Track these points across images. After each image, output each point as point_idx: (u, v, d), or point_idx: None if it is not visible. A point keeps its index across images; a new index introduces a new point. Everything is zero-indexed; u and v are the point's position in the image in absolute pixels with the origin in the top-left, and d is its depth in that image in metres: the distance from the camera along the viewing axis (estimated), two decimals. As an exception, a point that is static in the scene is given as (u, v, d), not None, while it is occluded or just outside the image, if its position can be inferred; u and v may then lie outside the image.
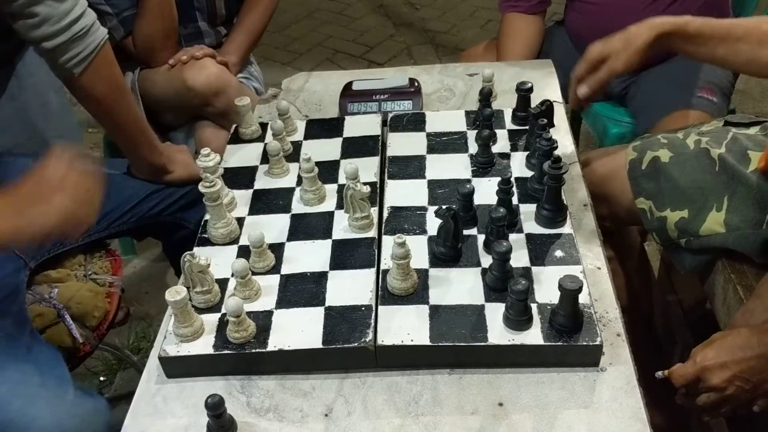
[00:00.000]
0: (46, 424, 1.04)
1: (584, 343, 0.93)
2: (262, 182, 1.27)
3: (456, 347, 0.95)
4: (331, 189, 1.22)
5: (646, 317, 1.66)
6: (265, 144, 1.33)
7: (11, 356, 1.09)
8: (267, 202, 1.22)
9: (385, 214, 1.16)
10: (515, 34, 1.85)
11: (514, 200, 1.14)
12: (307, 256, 1.10)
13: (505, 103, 1.42)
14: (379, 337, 0.96)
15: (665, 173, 1.29)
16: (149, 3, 1.66)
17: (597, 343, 0.93)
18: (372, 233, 1.13)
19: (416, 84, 1.49)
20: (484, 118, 1.28)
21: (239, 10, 1.91)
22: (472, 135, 1.31)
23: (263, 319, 1.00)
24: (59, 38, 1.15)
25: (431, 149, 1.30)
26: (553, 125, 1.31)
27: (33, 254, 1.30)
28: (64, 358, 1.27)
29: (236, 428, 0.91)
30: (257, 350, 0.96)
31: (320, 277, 1.06)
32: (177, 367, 0.98)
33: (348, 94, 1.48)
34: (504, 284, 0.99)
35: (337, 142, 1.35)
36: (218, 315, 1.02)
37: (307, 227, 1.16)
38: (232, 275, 1.05)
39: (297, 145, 1.35)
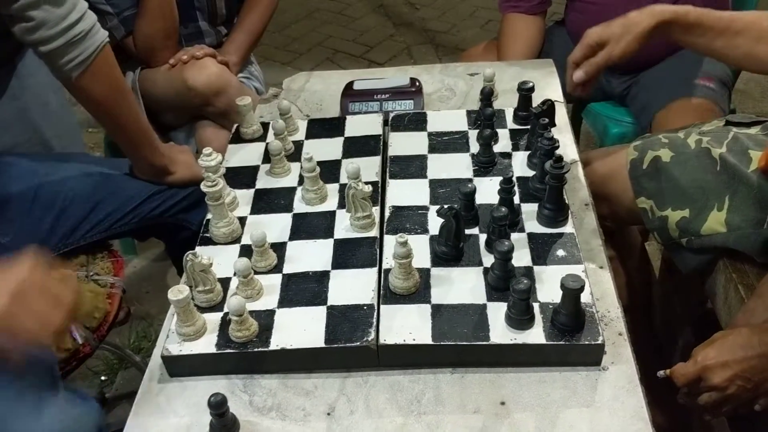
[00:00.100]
0: (33, 428, 1.03)
1: (586, 343, 0.93)
2: (263, 182, 1.27)
3: (458, 346, 0.95)
4: (332, 188, 1.22)
5: (647, 317, 1.66)
6: (267, 143, 1.32)
7: None
8: (269, 201, 1.22)
9: (387, 214, 1.16)
10: (516, 35, 1.85)
11: (516, 199, 1.14)
12: (309, 256, 1.10)
13: (506, 102, 1.42)
14: (381, 336, 0.96)
15: (666, 173, 1.29)
16: (150, 3, 1.66)
17: (599, 342, 0.93)
18: (374, 233, 1.13)
19: (417, 84, 1.49)
20: (485, 118, 1.28)
21: (240, 9, 1.91)
22: (473, 134, 1.32)
23: (265, 318, 1.00)
24: (55, 42, 1.14)
25: (432, 149, 1.30)
26: (554, 125, 1.31)
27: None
28: (64, 359, 1.27)
29: (239, 427, 0.91)
30: (260, 349, 0.96)
31: (322, 277, 1.06)
32: (179, 366, 0.98)
33: (349, 93, 1.48)
34: (506, 283, 0.99)
35: (339, 141, 1.35)
36: (220, 314, 1.02)
37: (309, 227, 1.16)
38: (234, 274, 1.05)
39: (298, 145, 1.35)
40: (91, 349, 1.32)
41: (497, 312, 0.98)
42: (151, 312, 2.13)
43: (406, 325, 0.97)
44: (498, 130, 1.31)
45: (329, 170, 1.26)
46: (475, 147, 1.28)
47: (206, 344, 0.98)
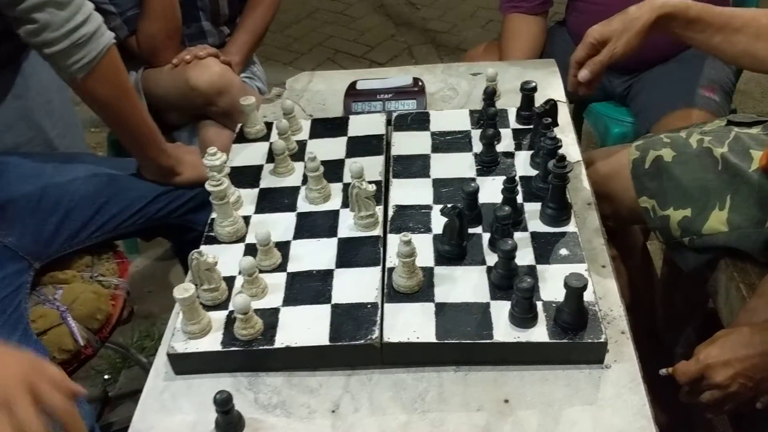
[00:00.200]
0: None
1: (589, 341, 0.94)
2: (267, 181, 1.27)
3: (461, 344, 0.95)
4: (336, 188, 1.23)
5: (649, 316, 1.67)
6: (271, 143, 1.33)
7: None
8: (272, 200, 1.23)
9: (390, 213, 1.16)
10: (518, 35, 1.85)
11: (519, 199, 1.14)
12: (313, 254, 1.11)
13: (509, 102, 1.43)
14: (385, 335, 0.97)
15: (668, 172, 1.30)
16: (153, 3, 1.67)
17: (602, 340, 0.94)
18: (377, 231, 1.13)
19: (420, 83, 1.49)
20: (488, 118, 1.29)
21: (242, 9, 1.92)
22: (476, 134, 1.32)
23: (270, 317, 1.01)
24: (60, 45, 1.14)
25: (435, 148, 1.31)
26: (556, 124, 1.32)
27: (38, 255, 1.30)
28: (65, 361, 1.27)
29: (244, 424, 0.91)
30: (264, 347, 0.97)
31: (326, 275, 1.07)
32: (185, 364, 0.99)
33: (352, 93, 1.48)
34: (509, 282, 1.00)
35: (342, 141, 1.35)
36: (225, 312, 1.02)
37: (313, 226, 1.16)
38: (239, 273, 1.05)
39: (302, 144, 1.36)
40: (92, 350, 1.32)
41: (500, 310, 0.98)
42: (153, 311, 2.14)
43: (409, 324, 0.98)
44: (501, 130, 1.32)
45: (333, 170, 1.26)
46: (478, 146, 1.28)
47: (211, 342, 0.98)
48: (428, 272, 1.05)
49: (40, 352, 1.19)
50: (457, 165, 1.26)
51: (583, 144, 2.40)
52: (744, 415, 1.15)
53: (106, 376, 1.98)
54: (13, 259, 1.26)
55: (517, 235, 1.08)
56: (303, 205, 1.21)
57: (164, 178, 1.41)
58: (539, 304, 0.98)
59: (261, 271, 1.06)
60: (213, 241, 1.15)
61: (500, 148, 1.28)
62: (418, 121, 1.38)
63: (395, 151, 1.31)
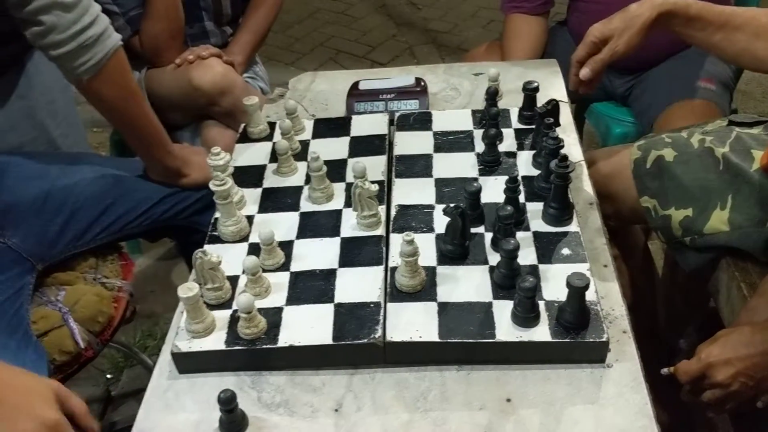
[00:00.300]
0: None
1: (591, 340, 0.94)
2: (270, 181, 1.28)
3: (464, 344, 0.96)
4: (339, 187, 1.23)
5: (650, 315, 1.67)
6: (274, 143, 1.34)
7: None
8: (276, 200, 1.23)
9: (393, 212, 1.17)
10: (519, 35, 1.86)
11: (521, 198, 1.15)
12: (316, 254, 1.11)
13: (511, 102, 1.43)
14: (387, 334, 0.97)
15: (669, 172, 1.30)
16: (155, 3, 1.67)
17: (603, 339, 0.94)
18: (380, 231, 1.14)
19: (422, 84, 1.50)
20: (490, 117, 1.29)
21: (245, 9, 1.92)
22: (478, 134, 1.32)
23: (273, 316, 1.01)
24: (66, 47, 1.14)
25: (438, 148, 1.31)
26: (558, 124, 1.32)
27: (42, 257, 1.30)
28: (66, 363, 1.27)
29: (248, 423, 0.92)
30: (268, 346, 0.97)
31: (329, 275, 1.07)
32: (189, 363, 0.99)
33: (355, 93, 1.49)
34: (511, 282, 1.00)
35: (345, 141, 1.36)
36: (229, 311, 1.03)
37: (316, 225, 1.17)
38: (243, 272, 1.06)
39: (305, 144, 1.36)
40: (93, 353, 1.32)
41: (503, 310, 0.98)
42: (156, 310, 2.14)
43: (412, 323, 0.98)
44: (503, 130, 1.32)
45: (335, 169, 1.27)
46: (480, 146, 1.29)
47: (215, 341, 0.99)
48: (431, 272, 1.05)
49: (39, 355, 1.19)
50: (460, 165, 1.26)
51: (585, 144, 2.40)
52: (745, 414, 1.16)
53: (108, 376, 1.98)
54: (17, 261, 1.26)
55: (520, 234, 1.09)
56: (306, 205, 1.21)
57: (171, 180, 1.41)
58: (541, 304, 0.98)
59: (264, 271, 1.07)
60: (216, 240, 1.16)
61: (502, 147, 1.29)
62: (421, 121, 1.39)
63: (398, 150, 1.31)
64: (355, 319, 0.99)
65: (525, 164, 1.25)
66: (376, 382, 0.97)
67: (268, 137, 1.40)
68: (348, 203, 1.19)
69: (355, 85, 1.51)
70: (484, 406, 0.92)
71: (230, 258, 1.11)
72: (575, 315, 0.94)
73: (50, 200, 1.31)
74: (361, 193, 1.11)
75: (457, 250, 1.07)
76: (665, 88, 1.72)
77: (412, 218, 1.16)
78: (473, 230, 1.11)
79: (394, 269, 1.05)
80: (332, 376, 0.98)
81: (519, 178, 1.13)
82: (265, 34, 1.93)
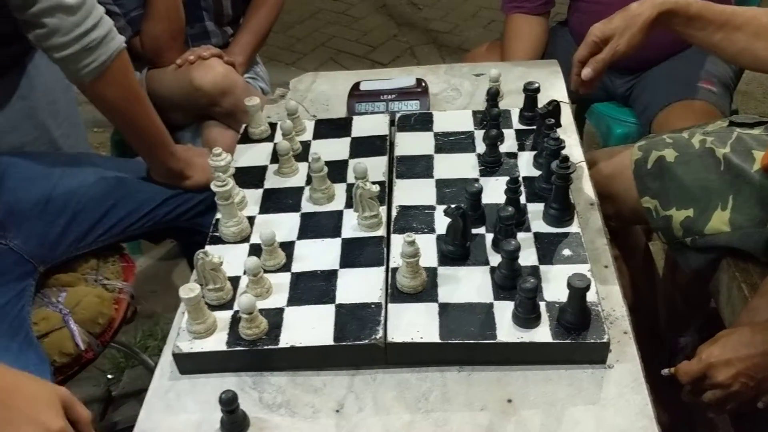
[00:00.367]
0: None
1: (592, 341, 0.94)
2: (271, 181, 1.28)
3: (465, 344, 0.96)
4: (340, 188, 1.24)
5: (651, 315, 1.67)
6: (275, 144, 1.34)
7: None
8: (277, 201, 1.23)
9: (394, 213, 1.17)
10: (520, 35, 1.86)
11: (522, 199, 1.15)
12: (317, 255, 1.11)
13: (512, 103, 1.43)
14: (389, 335, 0.97)
15: (670, 173, 1.30)
16: (156, 3, 1.67)
17: (604, 340, 0.94)
18: (381, 232, 1.14)
19: (423, 84, 1.50)
20: (491, 118, 1.29)
21: (246, 10, 1.92)
22: (479, 135, 1.33)
23: (275, 317, 1.01)
24: (69, 50, 1.14)
25: (439, 149, 1.31)
26: (559, 125, 1.33)
27: (44, 259, 1.30)
28: (66, 365, 1.27)
29: (249, 424, 0.92)
30: (269, 347, 0.97)
31: (330, 275, 1.07)
32: (190, 364, 0.99)
33: (356, 94, 1.49)
34: (512, 282, 1.00)
35: (346, 141, 1.36)
36: (231, 312, 1.03)
37: (317, 226, 1.17)
38: (244, 273, 1.06)
39: (306, 145, 1.36)
40: (94, 354, 1.32)
41: (504, 311, 0.99)
42: (156, 311, 2.15)
43: (413, 324, 0.98)
44: (504, 131, 1.32)
45: (336, 170, 1.27)
46: (481, 147, 1.29)
47: (217, 342, 0.99)
48: (432, 272, 1.06)
49: (41, 359, 1.18)
50: (461, 165, 1.27)
51: (585, 144, 2.40)
52: (745, 414, 1.16)
53: (109, 376, 1.98)
54: (19, 263, 1.26)
55: (520, 235, 1.09)
56: (307, 206, 1.21)
57: (173, 181, 1.40)
58: (542, 305, 0.98)
59: (266, 271, 1.07)
60: (218, 241, 1.16)
61: (503, 148, 1.29)
62: (422, 122, 1.39)
63: (399, 151, 1.31)
64: (356, 319, 0.99)
65: (526, 165, 1.26)
66: (378, 382, 0.97)
67: (269, 138, 1.40)
68: (349, 204, 1.20)
69: (356, 85, 1.51)
70: (485, 406, 0.92)
71: (231, 259, 1.11)
72: (576, 316, 0.95)
73: (52, 202, 1.31)
74: (362, 193, 1.11)
75: (458, 250, 1.07)
76: (665, 87, 1.72)
77: (413, 219, 1.16)
78: (474, 231, 1.11)
79: (395, 270, 1.05)
80: (333, 377, 0.98)
81: (520, 178, 1.13)
82: (266, 35, 1.93)
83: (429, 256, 1.08)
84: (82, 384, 1.87)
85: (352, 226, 1.16)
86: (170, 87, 1.74)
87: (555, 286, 1.01)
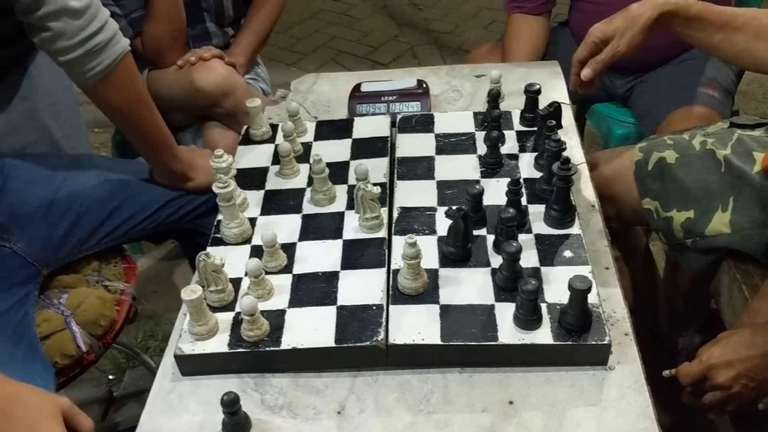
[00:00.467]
0: None
1: (593, 343, 0.94)
2: (273, 183, 1.28)
3: (466, 346, 0.96)
4: (341, 190, 1.24)
5: (651, 317, 1.67)
6: (276, 145, 1.34)
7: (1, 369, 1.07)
8: (278, 202, 1.24)
9: (395, 215, 1.17)
10: (521, 35, 1.86)
11: (523, 201, 1.15)
12: (319, 256, 1.11)
13: (513, 104, 1.43)
14: (390, 336, 0.97)
15: (671, 174, 1.30)
16: (157, 4, 1.67)
17: (605, 342, 0.94)
18: (382, 233, 1.14)
19: (424, 85, 1.50)
20: (492, 120, 1.29)
21: (247, 11, 1.92)
22: (480, 136, 1.33)
23: (276, 318, 1.01)
24: (74, 53, 1.14)
25: (440, 150, 1.31)
26: (560, 126, 1.33)
27: (47, 261, 1.30)
28: (67, 366, 1.28)
29: (251, 425, 0.92)
30: (271, 348, 0.97)
31: (331, 277, 1.07)
32: (192, 365, 0.99)
33: (357, 95, 1.49)
34: (514, 284, 1.00)
35: (347, 143, 1.36)
36: (232, 314, 1.03)
37: (318, 227, 1.17)
38: (246, 274, 1.06)
39: (307, 146, 1.36)
40: (95, 356, 1.32)
41: (505, 312, 0.99)
42: (157, 311, 2.15)
43: (414, 325, 0.98)
44: (505, 132, 1.32)
45: (338, 172, 1.27)
46: (482, 148, 1.29)
47: (218, 343, 0.99)
48: (433, 274, 1.06)
49: (46, 368, 1.18)
50: (462, 167, 1.27)
51: (586, 144, 2.40)
52: (746, 415, 1.16)
53: (110, 377, 1.98)
54: (22, 266, 1.26)
55: (522, 237, 1.09)
56: (308, 207, 1.22)
57: (176, 183, 1.41)
58: (543, 306, 0.98)
59: (267, 273, 1.07)
60: (219, 242, 1.16)
61: (504, 150, 1.29)
62: (423, 123, 1.39)
63: (400, 153, 1.32)
64: (357, 321, 1.00)
65: (527, 166, 1.26)
66: (379, 384, 0.97)
67: (271, 139, 1.40)
68: (350, 205, 1.20)
69: (357, 87, 1.51)
70: (486, 408, 0.93)
71: (233, 260, 1.11)
72: (577, 317, 0.95)
73: (56, 204, 1.31)
74: (364, 195, 1.12)
75: (459, 252, 1.07)
76: (667, 94, 1.72)
77: (414, 220, 1.16)
78: (475, 232, 1.11)
79: (396, 272, 1.05)
80: (335, 379, 0.98)
81: (521, 180, 1.14)
82: (267, 36, 1.94)
83: (430, 258, 1.08)
84: (83, 384, 1.87)
85: (353, 227, 1.16)
86: (171, 88, 1.75)
87: (556, 287, 1.01)
